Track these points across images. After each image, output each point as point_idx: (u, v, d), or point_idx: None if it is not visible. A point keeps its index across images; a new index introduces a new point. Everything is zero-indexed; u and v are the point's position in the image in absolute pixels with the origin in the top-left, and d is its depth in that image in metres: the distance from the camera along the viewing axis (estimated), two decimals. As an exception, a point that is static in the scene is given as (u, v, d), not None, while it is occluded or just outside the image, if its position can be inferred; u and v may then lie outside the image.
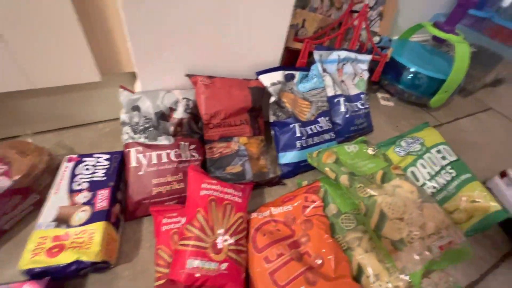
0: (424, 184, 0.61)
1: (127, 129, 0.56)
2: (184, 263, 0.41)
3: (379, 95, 1.07)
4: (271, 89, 0.65)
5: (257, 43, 0.62)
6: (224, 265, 0.43)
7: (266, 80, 0.66)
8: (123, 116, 0.57)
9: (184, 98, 0.59)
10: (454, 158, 0.63)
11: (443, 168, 0.61)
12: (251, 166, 0.61)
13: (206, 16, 0.53)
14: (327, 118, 0.72)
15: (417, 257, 0.43)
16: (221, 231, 0.45)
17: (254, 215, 0.53)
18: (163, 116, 0.57)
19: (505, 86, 1.30)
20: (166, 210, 0.52)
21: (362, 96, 0.81)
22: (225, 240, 0.45)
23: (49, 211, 0.46)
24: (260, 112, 0.68)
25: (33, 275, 0.41)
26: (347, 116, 0.76)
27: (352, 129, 0.77)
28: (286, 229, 0.52)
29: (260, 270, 0.46)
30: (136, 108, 0.57)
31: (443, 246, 0.46)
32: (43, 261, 0.41)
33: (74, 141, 0.68)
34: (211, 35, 0.56)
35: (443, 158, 0.63)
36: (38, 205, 0.52)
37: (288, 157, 0.67)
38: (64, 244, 0.43)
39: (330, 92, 0.76)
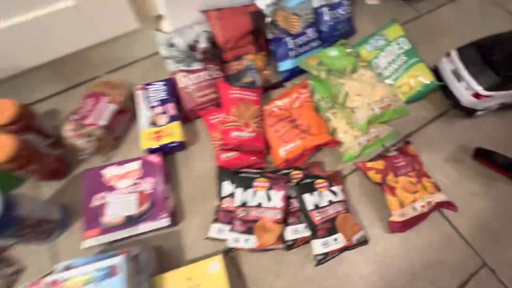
0: (384, 69, 0.85)
1: (170, 62, 0.81)
2: (230, 134, 0.73)
3: (367, -7, 1.16)
4: (267, 11, 0.83)
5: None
6: (253, 134, 0.75)
7: (261, 2, 0.83)
8: (164, 52, 0.81)
9: (204, 31, 0.80)
10: (408, 47, 0.84)
11: (398, 56, 0.83)
12: (259, 76, 0.86)
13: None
14: (314, 29, 0.91)
15: (363, 115, 0.73)
16: (247, 116, 0.76)
17: (266, 107, 0.83)
18: (192, 47, 0.80)
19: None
20: (209, 112, 0.82)
21: (345, 2, 0.95)
22: (251, 120, 0.76)
23: (143, 119, 0.78)
24: (260, 33, 0.88)
25: (151, 151, 0.75)
26: (331, 24, 0.93)
27: (336, 34, 0.96)
28: (286, 113, 0.82)
29: (273, 136, 0.78)
30: (171, 45, 0.79)
31: (383, 107, 0.74)
32: (155, 143, 0.74)
33: (128, 77, 0.94)
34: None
35: (400, 48, 0.84)
36: (132, 119, 0.84)
37: (285, 65, 0.90)
38: (161, 135, 0.75)
39: (315, 3, 0.91)
